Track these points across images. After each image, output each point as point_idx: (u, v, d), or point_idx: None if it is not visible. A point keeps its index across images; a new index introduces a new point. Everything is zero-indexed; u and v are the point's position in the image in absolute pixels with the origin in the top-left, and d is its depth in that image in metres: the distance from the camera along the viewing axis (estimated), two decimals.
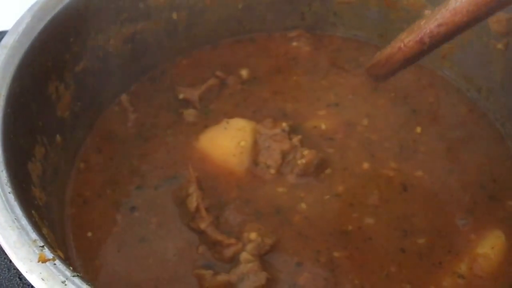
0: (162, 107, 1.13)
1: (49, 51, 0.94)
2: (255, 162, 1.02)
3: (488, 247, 0.91)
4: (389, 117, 1.09)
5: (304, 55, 1.23)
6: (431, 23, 0.83)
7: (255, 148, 1.02)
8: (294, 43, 1.25)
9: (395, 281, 0.87)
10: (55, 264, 0.66)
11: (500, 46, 1.06)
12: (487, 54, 1.08)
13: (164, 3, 1.13)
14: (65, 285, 0.64)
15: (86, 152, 1.05)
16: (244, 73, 1.18)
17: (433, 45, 0.86)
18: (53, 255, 0.66)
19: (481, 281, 0.88)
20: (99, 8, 1.02)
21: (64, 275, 0.65)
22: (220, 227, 0.93)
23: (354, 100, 1.13)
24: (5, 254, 0.68)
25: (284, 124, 1.04)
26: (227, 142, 1.03)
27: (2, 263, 0.82)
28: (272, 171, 1.00)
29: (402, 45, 0.90)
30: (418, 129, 1.07)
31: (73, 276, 0.65)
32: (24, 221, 0.70)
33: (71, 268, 0.66)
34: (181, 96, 1.13)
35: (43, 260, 0.66)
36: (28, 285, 0.72)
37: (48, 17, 0.93)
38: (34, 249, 0.67)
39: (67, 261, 0.69)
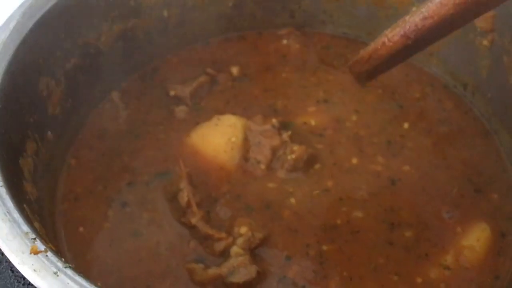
0: (153, 104, 1.14)
1: (40, 48, 0.94)
2: (245, 157, 1.03)
3: (474, 239, 0.93)
4: (377, 113, 1.11)
5: (293, 53, 1.24)
6: (416, 16, 0.80)
7: (246, 144, 1.04)
8: (284, 41, 1.27)
9: (383, 273, 0.89)
10: (47, 255, 0.66)
11: (485, 42, 1.08)
12: (473, 50, 1.10)
13: (155, 1, 1.14)
14: (57, 276, 0.64)
15: (78, 148, 1.05)
16: (234, 70, 1.19)
17: (418, 41, 0.82)
18: (45, 247, 0.67)
19: (467, 272, 0.90)
20: (90, 5, 1.03)
21: (56, 267, 0.65)
22: (211, 222, 0.94)
23: (342, 96, 1.14)
24: None
25: (274, 121, 1.06)
26: (218, 138, 1.04)
27: None
28: (262, 166, 1.02)
29: (386, 40, 0.85)
30: (406, 125, 1.09)
31: (65, 267, 0.65)
32: (16, 214, 0.71)
33: (63, 259, 0.67)
34: (172, 93, 1.14)
35: (35, 252, 0.66)
36: (21, 277, 0.73)
37: (39, 14, 0.94)
38: (26, 241, 0.67)
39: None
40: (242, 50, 1.25)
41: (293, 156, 1.01)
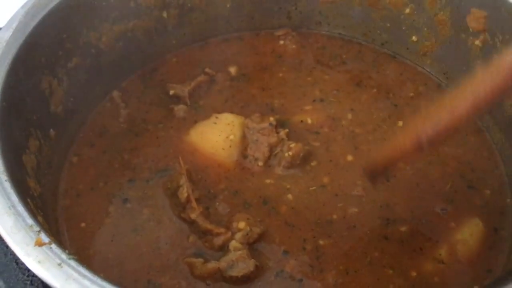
0: (153, 103, 1.15)
1: (43, 47, 0.96)
2: (243, 155, 1.05)
3: (467, 234, 0.95)
4: (372, 111, 1.13)
5: (290, 53, 1.27)
6: (428, 125, 0.76)
7: (244, 142, 1.05)
8: (281, 42, 1.29)
9: (378, 267, 0.91)
10: (51, 247, 0.68)
11: (477, 42, 1.10)
12: (466, 50, 1.13)
13: (154, 2, 1.16)
14: (61, 267, 0.66)
15: (79, 146, 1.07)
16: (232, 70, 1.21)
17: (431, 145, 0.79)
18: (49, 239, 0.68)
19: (460, 266, 0.91)
20: (91, 6, 1.05)
21: (60, 258, 0.67)
22: (210, 217, 0.95)
23: (338, 95, 1.16)
24: (2, 239, 0.70)
25: (271, 119, 1.07)
26: (216, 136, 1.06)
27: None
28: (260, 163, 1.03)
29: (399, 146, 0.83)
30: (400, 123, 1.11)
31: (69, 258, 0.67)
32: (20, 208, 0.72)
33: (67, 251, 0.68)
34: (171, 92, 1.16)
35: (39, 244, 0.68)
36: (25, 269, 0.74)
37: (41, 14, 0.95)
38: (31, 233, 0.69)
39: None
40: (240, 50, 1.27)
41: (290, 153, 1.03)
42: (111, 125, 1.11)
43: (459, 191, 1.01)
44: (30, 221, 0.71)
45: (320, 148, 1.07)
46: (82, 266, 0.67)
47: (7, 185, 0.74)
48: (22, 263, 0.68)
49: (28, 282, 0.74)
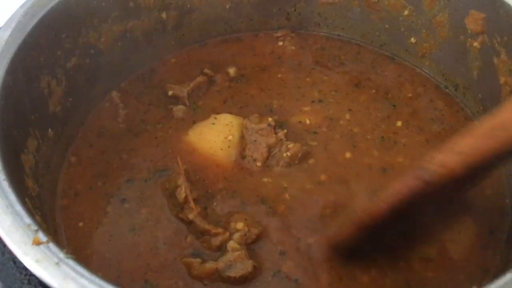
0: (151, 103, 1.15)
1: (41, 47, 0.96)
2: (242, 155, 1.05)
3: (457, 232, 0.95)
4: (370, 112, 1.13)
5: (289, 54, 1.27)
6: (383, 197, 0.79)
7: (242, 142, 1.06)
8: (280, 43, 1.29)
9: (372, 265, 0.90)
10: (48, 247, 0.68)
11: (476, 44, 1.10)
12: (464, 52, 1.13)
13: (153, 3, 1.16)
14: (59, 266, 0.66)
15: (78, 146, 1.07)
16: (231, 71, 1.22)
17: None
18: (47, 238, 0.68)
19: (450, 263, 0.91)
20: (90, 6, 1.05)
21: (58, 257, 0.67)
22: (208, 218, 0.95)
23: (337, 96, 1.16)
24: None
25: (270, 119, 1.07)
26: (215, 136, 1.06)
27: None
28: (259, 163, 1.03)
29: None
30: (399, 123, 1.11)
31: (67, 258, 0.67)
32: (18, 207, 0.72)
33: (65, 250, 0.68)
34: (170, 93, 1.16)
35: (37, 243, 0.68)
36: (23, 268, 0.74)
37: (40, 14, 0.96)
38: (29, 232, 0.69)
39: None
40: (239, 51, 1.27)
41: (288, 153, 1.03)
42: (109, 125, 1.11)
43: None
44: (28, 220, 0.71)
45: (318, 147, 1.06)
46: (80, 265, 0.67)
47: (5, 184, 0.74)
48: (20, 262, 0.68)
49: (26, 281, 0.74)
